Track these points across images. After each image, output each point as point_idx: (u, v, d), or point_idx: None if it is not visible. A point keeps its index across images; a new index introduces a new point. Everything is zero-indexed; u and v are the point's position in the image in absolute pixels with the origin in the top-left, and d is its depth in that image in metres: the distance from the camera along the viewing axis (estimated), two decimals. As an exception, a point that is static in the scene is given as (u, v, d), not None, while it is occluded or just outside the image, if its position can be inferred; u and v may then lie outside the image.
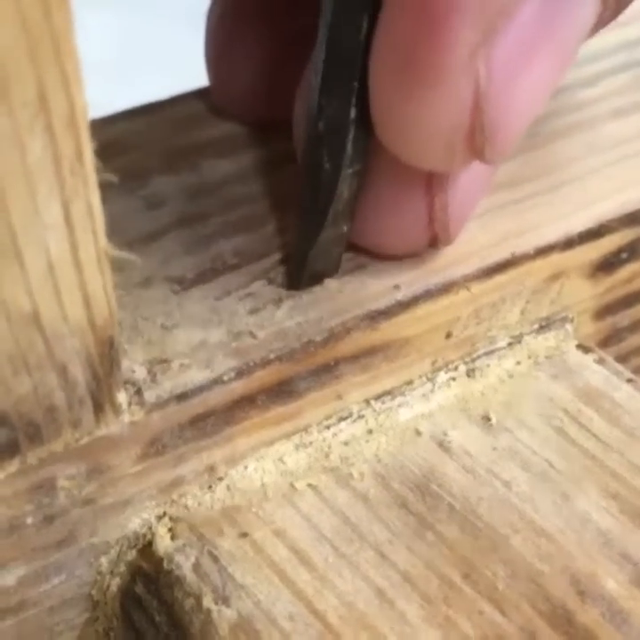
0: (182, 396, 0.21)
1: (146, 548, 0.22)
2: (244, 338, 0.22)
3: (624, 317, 0.27)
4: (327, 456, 0.23)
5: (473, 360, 0.25)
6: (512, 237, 0.24)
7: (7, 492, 0.19)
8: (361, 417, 0.23)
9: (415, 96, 0.19)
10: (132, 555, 0.22)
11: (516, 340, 0.25)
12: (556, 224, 0.25)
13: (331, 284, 0.23)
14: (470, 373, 0.25)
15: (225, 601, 0.20)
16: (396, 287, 0.23)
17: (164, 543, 0.21)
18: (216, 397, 0.21)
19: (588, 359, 0.25)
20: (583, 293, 0.26)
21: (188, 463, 0.21)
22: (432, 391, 0.24)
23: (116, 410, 0.20)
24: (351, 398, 0.23)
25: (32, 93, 0.15)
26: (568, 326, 0.26)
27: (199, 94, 0.29)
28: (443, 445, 0.23)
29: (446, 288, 0.23)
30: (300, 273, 0.23)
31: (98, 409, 0.19)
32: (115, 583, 0.22)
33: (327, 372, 0.22)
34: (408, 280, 0.23)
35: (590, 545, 0.21)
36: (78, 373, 0.18)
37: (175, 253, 0.24)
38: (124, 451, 0.20)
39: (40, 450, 0.19)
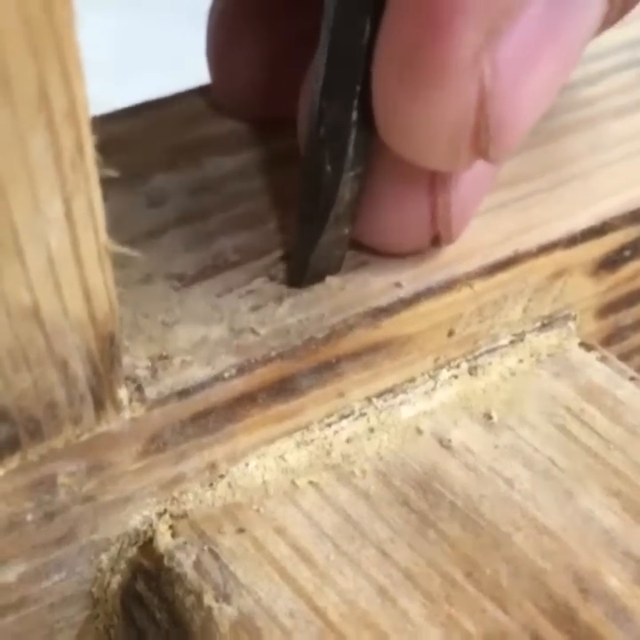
0: (183, 393, 0.21)
1: (146, 545, 0.21)
2: (246, 335, 0.22)
3: (627, 315, 0.27)
4: (328, 454, 0.23)
5: (475, 358, 0.25)
6: (515, 235, 0.24)
7: (7, 488, 0.19)
8: (363, 415, 0.23)
9: (419, 96, 0.19)
10: (132, 552, 0.22)
11: (519, 337, 0.25)
12: (558, 222, 0.25)
13: (332, 281, 0.23)
14: (472, 371, 0.25)
15: (226, 598, 0.20)
16: (398, 284, 0.23)
17: (164, 540, 0.21)
18: (217, 394, 0.21)
19: (591, 357, 0.25)
20: (586, 291, 0.26)
21: (189, 460, 0.21)
22: (434, 389, 0.24)
23: (117, 406, 0.20)
24: (353, 396, 0.23)
25: (33, 89, 0.15)
26: (571, 324, 0.26)
27: (200, 92, 0.29)
28: (444, 443, 0.23)
29: (449, 285, 0.23)
30: (302, 274, 0.23)
31: (98, 405, 0.19)
32: (115, 580, 0.22)
33: (329, 369, 0.22)
34: (410, 277, 0.23)
35: (593, 543, 0.21)
36: (79, 369, 0.18)
37: (176, 250, 0.24)
38: (124, 447, 0.20)
39: (40, 446, 0.19)
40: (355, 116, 0.21)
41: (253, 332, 0.22)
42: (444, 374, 0.24)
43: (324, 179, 0.21)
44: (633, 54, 0.31)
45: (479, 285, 0.24)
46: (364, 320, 0.22)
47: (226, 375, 0.21)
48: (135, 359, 0.21)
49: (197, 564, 0.21)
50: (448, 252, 0.24)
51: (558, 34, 0.20)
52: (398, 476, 0.22)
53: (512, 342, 0.25)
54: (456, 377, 0.24)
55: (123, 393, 0.20)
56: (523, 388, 0.24)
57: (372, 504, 0.22)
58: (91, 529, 0.21)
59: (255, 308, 0.22)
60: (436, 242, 0.23)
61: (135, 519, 0.21)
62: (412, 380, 0.24)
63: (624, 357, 0.27)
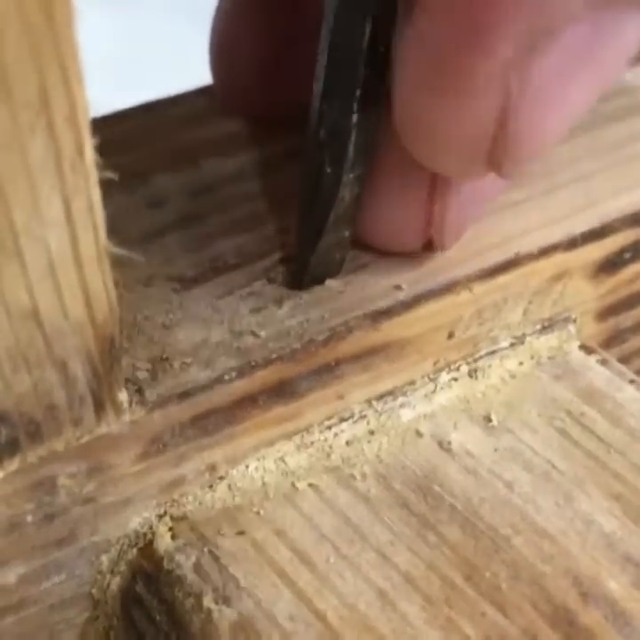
0: (183, 395, 0.21)
1: (146, 547, 0.21)
2: (246, 337, 0.22)
3: (627, 318, 0.27)
4: (328, 456, 0.23)
5: (475, 360, 0.25)
6: (514, 237, 0.24)
7: (7, 490, 0.19)
8: (362, 417, 0.23)
9: (443, 102, 0.19)
10: (132, 554, 0.22)
11: (519, 340, 0.25)
12: (558, 224, 0.25)
13: (332, 283, 0.23)
14: (472, 374, 0.25)
15: (225, 601, 0.20)
16: (398, 287, 0.23)
17: (164, 542, 0.21)
18: (217, 397, 0.21)
19: (591, 360, 0.25)
20: (586, 294, 0.26)
21: (188, 462, 0.21)
22: (434, 391, 0.24)
23: (117, 408, 0.20)
24: (353, 398, 0.23)
25: (33, 91, 0.15)
26: (571, 327, 0.26)
27: (200, 93, 0.29)
28: (444, 446, 0.23)
29: (448, 288, 0.23)
30: (302, 276, 0.23)
31: (98, 407, 0.19)
32: (115, 582, 0.22)
33: (328, 371, 0.22)
34: (410, 280, 0.23)
35: (592, 546, 0.21)
36: (79, 371, 0.18)
37: (176, 252, 0.24)
38: (124, 449, 0.20)
39: (40, 448, 0.19)
40: (355, 118, 0.21)
41: (253, 334, 0.22)
42: (444, 377, 0.24)
43: (324, 180, 0.21)
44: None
45: (479, 288, 0.24)
46: (364, 322, 0.22)
47: (226, 377, 0.21)
48: (135, 361, 0.21)
49: (197, 566, 0.21)
50: (448, 255, 0.24)
51: (598, 55, 0.19)
52: (398, 478, 0.22)
53: (512, 345, 0.25)
54: (456, 379, 0.24)
55: (123, 395, 0.20)
56: (523, 390, 0.24)
57: (372, 507, 0.22)
58: (91, 531, 0.21)
59: (255, 311, 0.22)
60: (429, 247, 0.23)
61: (135, 521, 0.21)
62: (412, 382, 0.24)
63: (624, 360, 0.27)
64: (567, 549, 0.21)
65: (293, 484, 0.22)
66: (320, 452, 0.23)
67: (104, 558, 0.21)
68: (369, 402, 0.23)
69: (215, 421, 0.21)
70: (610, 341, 0.27)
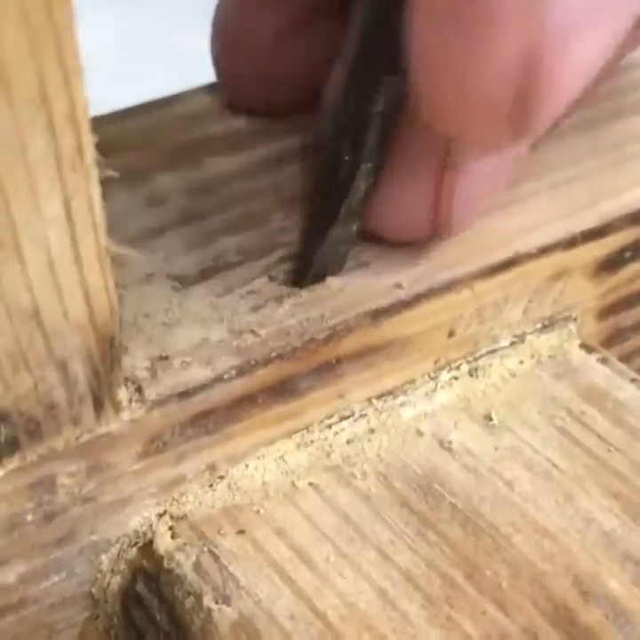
0: (183, 394, 0.21)
1: (146, 546, 0.21)
2: (246, 336, 0.22)
3: (627, 317, 0.27)
4: (329, 455, 0.23)
5: (475, 359, 0.25)
6: (515, 236, 0.24)
7: (7, 489, 0.19)
8: (363, 416, 0.23)
9: (465, 46, 0.18)
10: (132, 553, 0.22)
11: (519, 339, 0.25)
12: (559, 223, 0.25)
13: (333, 282, 0.23)
14: (473, 372, 0.25)
15: (225, 600, 0.20)
16: (399, 285, 0.23)
17: (164, 541, 0.21)
18: (217, 395, 0.21)
19: (592, 359, 0.25)
20: (586, 293, 0.26)
21: (188, 461, 0.21)
22: (434, 390, 0.24)
23: (117, 407, 0.20)
24: (353, 397, 0.23)
25: (33, 90, 0.15)
26: (571, 325, 0.26)
27: (201, 91, 0.29)
28: (445, 445, 0.23)
29: (449, 286, 0.23)
30: (306, 270, 0.23)
31: (98, 406, 0.19)
32: (115, 581, 0.22)
33: (329, 370, 0.22)
34: (410, 278, 0.23)
35: (593, 545, 0.21)
36: (79, 370, 0.18)
37: (177, 251, 0.24)
38: (124, 448, 0.20)
39: (40, 447, 0.19)
40: (377, 107, 0.21)
41: (253, 332, 0.22)
42: (445, 375, 0.24)
43: (341, 168, 0.22)
44: (631, 55, 0.30)
45: (479, 286, 0.24)
46: (365, 321, 0.22)
47: (226, 376, 0.21)
48: (135, 360, 0.21)
49: (197, 566, 0.21)
50: (448, 253, 0.24)
51: (617, 3, 0.19)
52: (398, 477, 0.22)
53: (512, 343, 0.25)
54: (456, 378, 0.24)
55: (122, 394, 0.20)
56: (523, 389, 0.24)
57: (373, 506, 0.22)
58: (90, 530, 0.21)
59: (255, 309, 0.22)
60: (435, 233, 0.23)
61: (135, 520, 0.21)
62: (413, 381, 0.24)
63: (625, 359, 0.27)
64: (567, 548, 0.21)
65: (293, 483, 0.22)
66: (320, 451, 0.23)
67: (104, 557, 0.21)
68: (369, 400, 0.23)
69: (215, 420, 0.21)
70: (610, 340, 0.27)
